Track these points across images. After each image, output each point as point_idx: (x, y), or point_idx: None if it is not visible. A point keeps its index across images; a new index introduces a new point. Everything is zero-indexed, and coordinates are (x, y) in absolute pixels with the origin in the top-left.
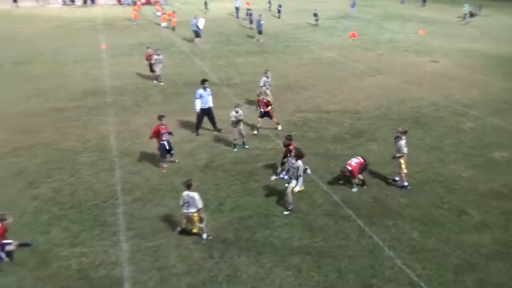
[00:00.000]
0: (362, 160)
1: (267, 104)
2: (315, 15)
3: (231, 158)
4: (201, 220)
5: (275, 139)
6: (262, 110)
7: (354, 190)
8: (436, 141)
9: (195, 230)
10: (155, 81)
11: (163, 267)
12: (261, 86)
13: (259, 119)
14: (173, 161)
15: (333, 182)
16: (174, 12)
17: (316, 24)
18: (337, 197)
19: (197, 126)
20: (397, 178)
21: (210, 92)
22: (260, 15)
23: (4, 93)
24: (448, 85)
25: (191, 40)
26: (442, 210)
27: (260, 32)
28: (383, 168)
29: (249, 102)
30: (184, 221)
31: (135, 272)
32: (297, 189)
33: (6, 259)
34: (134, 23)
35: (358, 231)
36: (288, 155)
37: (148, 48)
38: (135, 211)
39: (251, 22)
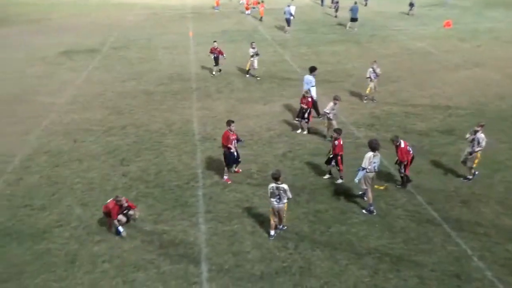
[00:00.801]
0: (412, 153)
1: (308, 104)
2: (411, 4)
3: (309, 149)
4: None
5: (355, 133)
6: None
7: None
8: None
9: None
10: (247, 75)
11: (238, 252)
12: (367, 77)
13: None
14: (236, 171)
15: (418, 181)
16: (262, 1)
17: (409, 14)
18: (421, 198)
19: (317, 111)
20: (470, 177)
21: None
22: (356, 2)
23: (105, 76)
24: None
25: (280, 28)
26: None
27: (353, 20)
28: (477, 170)
29: (330, 94)
30: (274, 214)
31: (211, 254)
32: (355, 180)
33: (124, 233)
34: (216, 10)
35: (443, 236)
36: (330, 152)
37: (215, 41)
38: (213, 195)
39: (336, 10)
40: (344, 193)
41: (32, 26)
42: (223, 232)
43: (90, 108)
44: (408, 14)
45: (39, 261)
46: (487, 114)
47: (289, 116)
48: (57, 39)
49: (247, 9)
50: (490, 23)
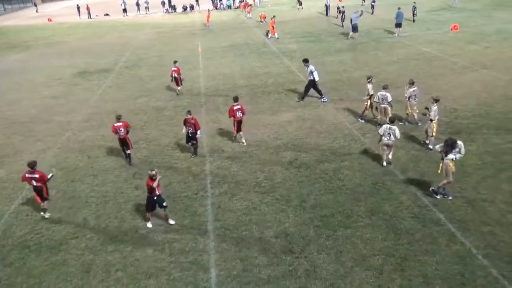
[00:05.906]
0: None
1: (196, 124)
2: (414, 8)
3: (315, 156)
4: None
5: (361, 139)
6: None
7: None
8: None
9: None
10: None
11: (245, 257)
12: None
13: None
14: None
15: (424, 184)
16: (274, 16)
17: (413, 20)
18: (427, 200)
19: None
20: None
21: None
22: (399, 7)
23: (118, 94)
24: None
25: (283, 41)
26: None
27: (398, 25)
28: (481, 171)
29: (337, 102)
30: (385, 148)
31: (220, 260)
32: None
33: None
34: (208, 27)
35: (448, 236)
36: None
37: (175, 61)
38: (222, 204)
39: (343, 20)
40: (350, 197)
41: (50, 49)
42: (231, 239)
43: (104, 125)
44: (413, 20)
45: (56, 271)
46: (494, 115)
47: (295, 125)
48: (73, 61)
49: (273, 32)
50: (499, 24)
